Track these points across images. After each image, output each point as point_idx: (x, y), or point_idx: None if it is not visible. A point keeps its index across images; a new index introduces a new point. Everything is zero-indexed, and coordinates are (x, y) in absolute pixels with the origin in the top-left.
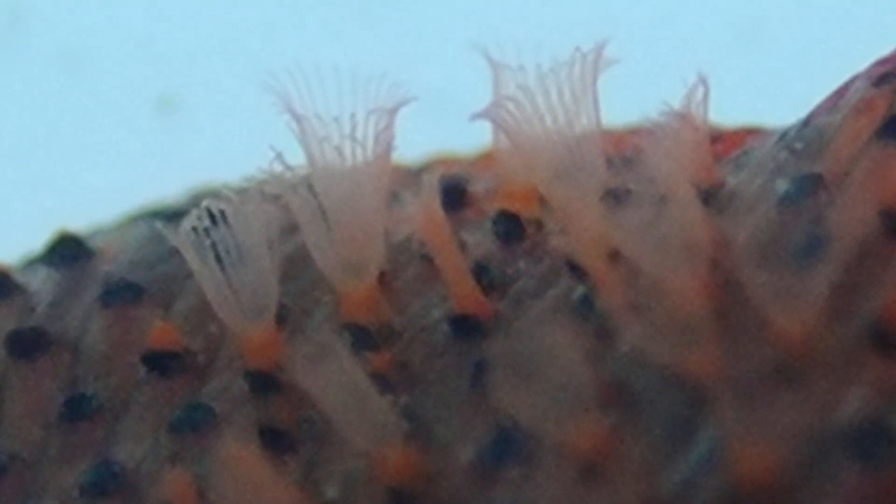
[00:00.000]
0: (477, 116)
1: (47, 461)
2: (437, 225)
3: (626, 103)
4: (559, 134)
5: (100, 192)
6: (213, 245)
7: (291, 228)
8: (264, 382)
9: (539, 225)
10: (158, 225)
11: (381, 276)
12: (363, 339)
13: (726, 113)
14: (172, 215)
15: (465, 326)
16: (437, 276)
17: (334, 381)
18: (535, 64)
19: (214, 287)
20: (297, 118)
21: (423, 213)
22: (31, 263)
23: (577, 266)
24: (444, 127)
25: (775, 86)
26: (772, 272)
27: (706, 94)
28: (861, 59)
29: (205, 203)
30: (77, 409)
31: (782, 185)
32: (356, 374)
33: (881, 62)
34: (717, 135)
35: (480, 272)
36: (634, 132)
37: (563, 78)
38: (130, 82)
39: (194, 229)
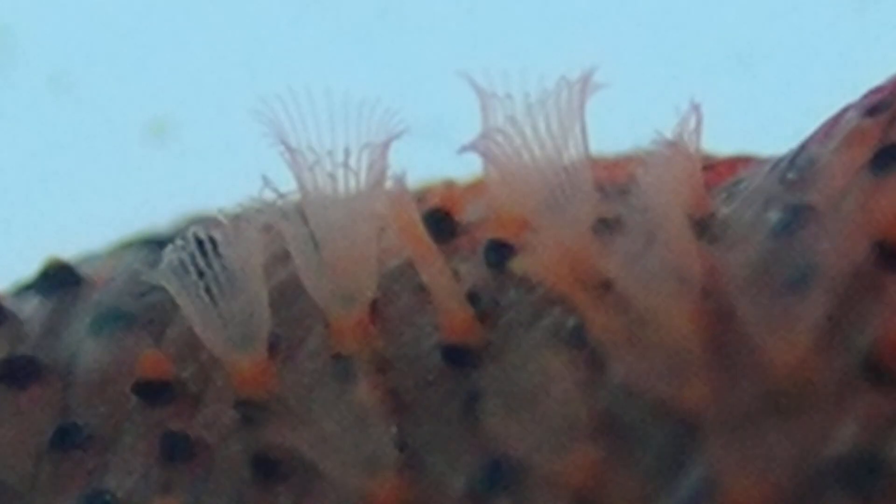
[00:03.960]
0: (465, 149)
1: (38, 490)
2: (411, 223)
3: (620, 130)
4: (548, 164)
5: (91, 218)
6: (202, 273)
7: (283, 256)
8: (255, 411)
9: None
10: (139, 267)
11: (373, 305)
12: (355, 368)
13: (718, 141)
14: (164, 242)
15: (457, 356)
16: (429, 306)
17: (325, 410)
18: (523, 92)
19: (201, 318)
20: (289, 148)
21: (393, 210)
22: (22, 291)
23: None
24: (435, 153)
25: (768, 114)
26: (764, 303)
27: (699, 123)
28: (854, 88)
29: (191, 230)
30: (68, 437)
31: (774, 216)
32: (347, 403)
33: (874, 92)
34: (708, 163)
35: (472, 301)
36: (628, 160)
37: (550, 107)
38: (122, 107)
39: (180, 260)
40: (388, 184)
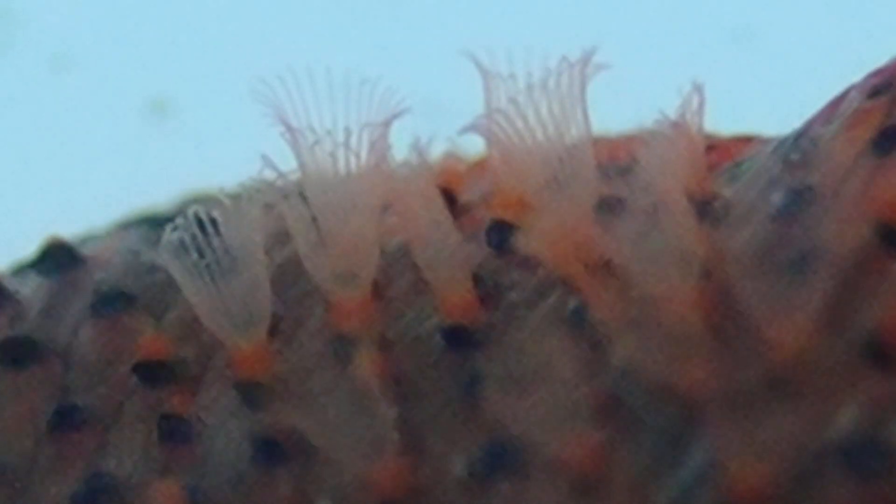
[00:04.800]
0: (466, 130)
1: (37, 472)
2: (426, 194)
3: (623, 110)
4: (550, 145)
5: (91, 197)
6: (202, 253)
7: (283, 236)
8: (256, 393)
9: None
10: (139, 247)
11: (374, 286)
12: (355, 348)
13: (721, 121)
14: (164, 221)
15: (458, 337)
16: (430, 286)
17: (326, 391)
18: (525, 71)
19: (201, 298)
20: (290, 128)
21: (409, 181)
22: (22, 270)
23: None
24: (436, 132)
25: (771, 94)
26: (766, 285)
27: (702, 103)
28: (856, 69)
29: (192, 210)
30: (67, 419)
31: (777, 198)
32: (348, 384)
33: (876, 73)
34: (711, 143)
35: (474, 282)
36: (630, 140)
37: (551, 88)
38: (122, 86)
39: (180, 239)
40: (390, 163)
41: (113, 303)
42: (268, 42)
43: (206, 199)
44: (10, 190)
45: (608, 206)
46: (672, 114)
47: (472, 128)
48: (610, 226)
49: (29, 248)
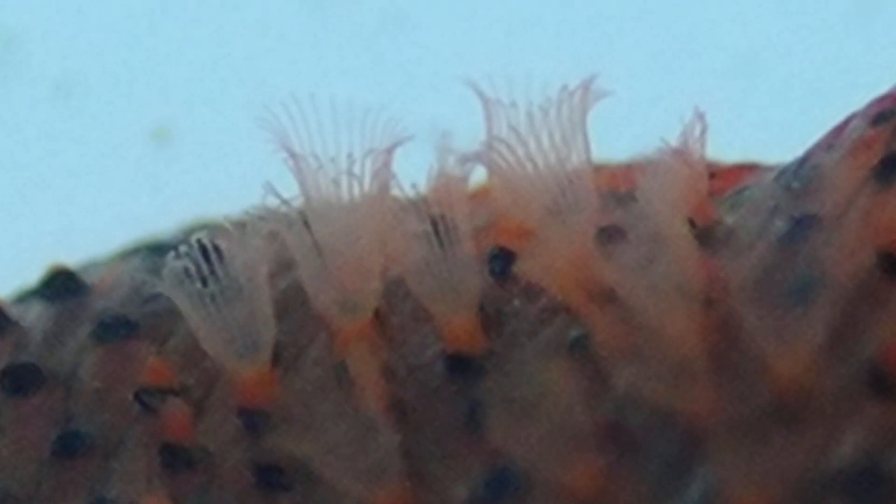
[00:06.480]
0: (467, 159)
1: (40, 499)
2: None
3: (624, 137)
4: (551, 173)
5: (95, 224)
6: (205, 281)
7: (287, 264)
8: (258, 420)
9: None
10: (143, 274)
11: (377, 313)
12: (358, 376)
13: (723, 148)
14: (167, 249)
15: (460, 365)
16: (432, 314)
17: (329, 419)
18: (526, 99)
19: (204, 326)
20: (293, 155)
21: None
22: (26, 298)
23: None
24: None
25: (774, 121)
26: (768, 313)
27: (704, 130)
28: (859, 96)
29: (195, 237)
30: (70, 446)
31: (779, 225)
32: (350, 411)
33: (879, 100)
34: (713, 171)
35: (476, 310)
36: (631, 167)
37: (552, 116)
38: (125, 113)
39: (183, 267)
40: (394, 190)
41: (115, 330)
42: (271, 69)
43: (210, 227)
44: (13, 217)
45: (609, 234)
46: (674, 141)
47: (473, 157)
48: (611, 254)
49: (32, 276)
